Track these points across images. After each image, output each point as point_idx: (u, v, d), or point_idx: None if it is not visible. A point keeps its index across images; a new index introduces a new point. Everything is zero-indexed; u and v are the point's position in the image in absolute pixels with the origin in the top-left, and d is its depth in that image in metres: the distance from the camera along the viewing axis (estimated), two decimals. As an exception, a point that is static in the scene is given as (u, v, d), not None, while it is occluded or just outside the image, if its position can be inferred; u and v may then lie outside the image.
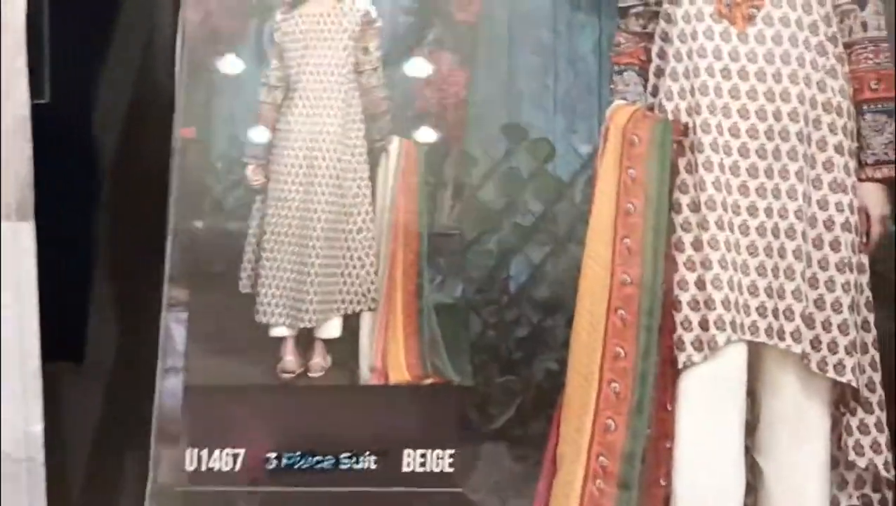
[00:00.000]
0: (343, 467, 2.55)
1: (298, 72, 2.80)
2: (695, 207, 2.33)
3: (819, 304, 2.30)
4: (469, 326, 2.70)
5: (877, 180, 2.38)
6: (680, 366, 2.30)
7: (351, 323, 2.78)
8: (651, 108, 2.43)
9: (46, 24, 2.58)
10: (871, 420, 2.33)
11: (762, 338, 2.29)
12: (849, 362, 2.29)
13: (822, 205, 2.32)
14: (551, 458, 2.35)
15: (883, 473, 2.34)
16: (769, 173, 2.31)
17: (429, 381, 2.69)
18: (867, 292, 2.36)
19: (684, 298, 2.31)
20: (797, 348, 2.28)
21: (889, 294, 2.53)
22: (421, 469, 2.55)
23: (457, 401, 2.63)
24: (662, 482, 2.30)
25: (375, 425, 2.59)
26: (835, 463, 2.38)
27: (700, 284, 2.31)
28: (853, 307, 2.31)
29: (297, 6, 2.81)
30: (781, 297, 2.29)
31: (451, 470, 2.55)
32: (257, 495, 2.55)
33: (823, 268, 2.31)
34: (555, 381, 2.49)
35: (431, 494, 2.54)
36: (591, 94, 2.74)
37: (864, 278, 2.36)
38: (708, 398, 2.30)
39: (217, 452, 2.55)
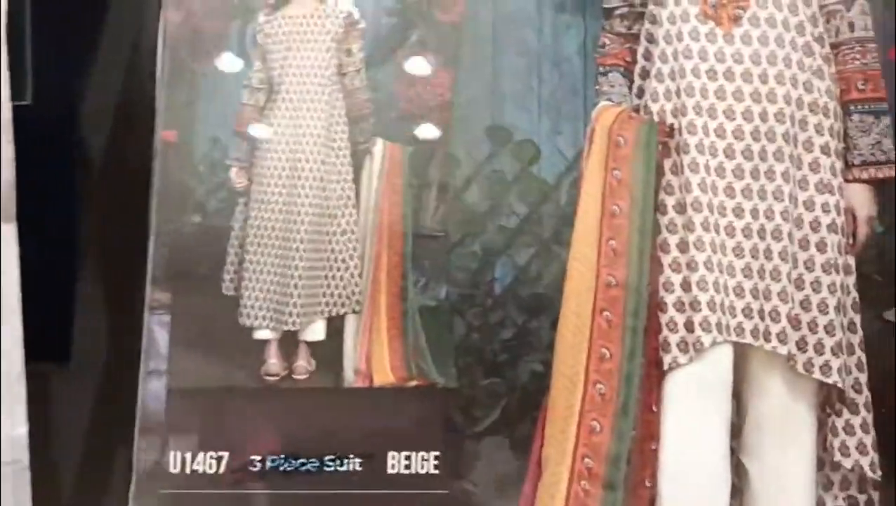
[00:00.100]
0: (328, 469, 2.54)
1: (281, 74, 2.81)
2: (680, 208, 2.36)
3: (805, 305, 2.33)
4: (453, 329, 2.70)
5: (863, 181, 2.41)
6: (665, 367, 2.33)
7: (335, 325, 2.78)
8: (637, 110, 2.45)
9: (28, 25, 2.59)
10: (856, 421, 2.36)
11: (748, 339, 2.32)
12: (835, 364, 2.32)
13: (809, 206, 2.35)
14: (536, 459, 2.36)
15: (869, 474, 2.36)
16: (755, 175, 2.34)
17: (413, 383, 2.69)
18: (853, 293, 2.39)
19: (670, 299, 2.34)
20: (783, 350, 2.31)
21: (875, 295, 2.54)
22: (406, 471, 2.55)
23: (441, 403, 2.63)
24: (648, 484, 2.32)
25: (360, 427, 2.58)
26: (820, 464, 2.40)
27: (685, 286, 2.33)
28: (839, 308, 2.34)
29: (279, 8, 2.82)
30: (767, 298, 2.32)
31: (436, 472, 2.55)
32: (242, 498, 2.55)
33: (810, 269, 2.34)
34: (540, 383, 2.50)
35: (416, 496, 2.54)
36: (576, 96, 2.74)
37: (851, 280, 2.39)
38: (693, 400, 2.32)
39: (201, 454, 2.54)
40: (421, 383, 2.68)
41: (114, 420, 2.59)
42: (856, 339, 2.39)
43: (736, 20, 2.38)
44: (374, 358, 2.72)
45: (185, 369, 2.61)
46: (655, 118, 2.40)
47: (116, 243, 2.68)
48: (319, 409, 2.64)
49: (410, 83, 2.77)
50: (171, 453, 2.54)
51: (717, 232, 2.33)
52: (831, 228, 2.35)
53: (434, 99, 2.76)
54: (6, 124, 2.36)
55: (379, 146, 2.80)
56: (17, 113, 2.40)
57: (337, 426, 2.59)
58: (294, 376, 2.74)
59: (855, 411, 2.37)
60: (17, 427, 2.33)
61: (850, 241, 2.40)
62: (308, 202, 2.78)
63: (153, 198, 2.63)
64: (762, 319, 2.32)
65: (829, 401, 2.38)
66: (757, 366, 2.35)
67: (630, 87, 2.50)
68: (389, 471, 2.55)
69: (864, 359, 2.39)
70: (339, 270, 2.78)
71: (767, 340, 2.31)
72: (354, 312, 2.77)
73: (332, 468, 2.55)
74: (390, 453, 2.56)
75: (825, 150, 2.37)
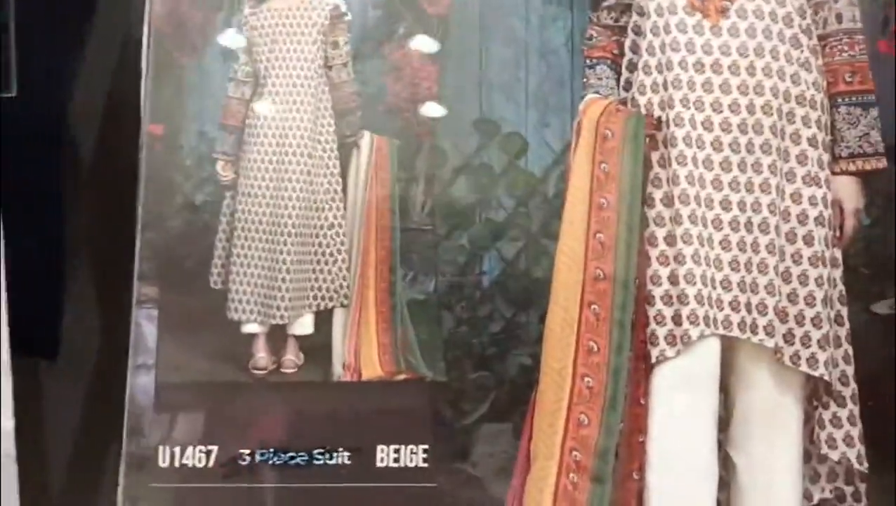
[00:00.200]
0: (317, 463, 2.54)
1: (267, 67, 2.81)
2: (668, 201, 2.37)
3: (792, 298, 2.35)
4: (442, 322, 2.70)
5: (851, 174, 2.43)
6: (653, 361, 2.34)
7: (323, 319, 2.79)
8: (624, 103, 2.46)
9: (12, 16, 2.59)
10: (843, 414, 2.38)
11: (735, 332, 2.33)
12: (822, 356, 2.33)
13: (796, 199, 2.37)
14: (525, 453, 2.38)
15: (856, 466, 2.38)
16: (742, 167, 2.35)
17: (402, 377, 2.69)
18: (840, 286, 2.41)
19: (657, 292, 2.35)
20: (770, 343, 2.33)
21: (862, 288, 2.56)
22: (395, 465, 2.55)
23: (430, 397, 2.63)
24: (636, 477, 2.34)
25: (349, 421, 2.59)
26: (808, 457, 2.41)
27: (673, 279, 2.34)
28: (826, 301, 2.35)
29: (264, 0, 2.82)
30: (754, 291, 2.33)
31: (424, 465, 2.55)
32: (231, 492, 2.54)
33: (797, 262, 2.35)
34: (528, 376, 2.51)
35: (405, 489, 2.55)
36: (563, 88, 2.75)
37: (838, 272, 2.40)
38: (681, 393, 2.33)
39: (190, 449, 2.54)
40: (409, 377, 2.68)
41: (103, 414, 2.59)
42: (843, 331, 2.40)
43: (723, 12, 2.39)
44: (363, 352, 2.72)
45: (173, 364, 2.61)
46: (643, 111, 2.41)
47: (104, 237, 2.68)
48: (308, 403, 2.64)
49: (396, 76, 2.77)
50: (160, 448, 2.54)
51: (705, 225, 2.35)
52: (818, 220, 2.36)
53: (421, 91, 2.76)
54: (-10, 116, 2.36)
55: (366, 139, 2.80)
56: (2, 105, 2.43)
57: (326, 420, 2.59)
58: (282, 370, 2.75)
59: (842, 404, 2.38)
60: (5, 420, 2.34)
61: (838, 233, 2.42)
62: (295, 196, 2.78)
63: (140, 192, 2.63)
64: (749, 312, 2.33)
65: (816, 393, 2.40)
66: (744, 359, 2.37)
67: (618, 80, 2.51)
68: (378, 464, 2.55)
69: (850, 351, 2.41)
70: (326, 263, 2.79)
71: (755, 333, 2.33)
72: (342, 305, 2.77)
73: (322, 462, 2.55)
74: (379, 447, 2.56)
75: (812, 142, 2.39)
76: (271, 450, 2.56)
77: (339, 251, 2.79)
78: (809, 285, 2.35)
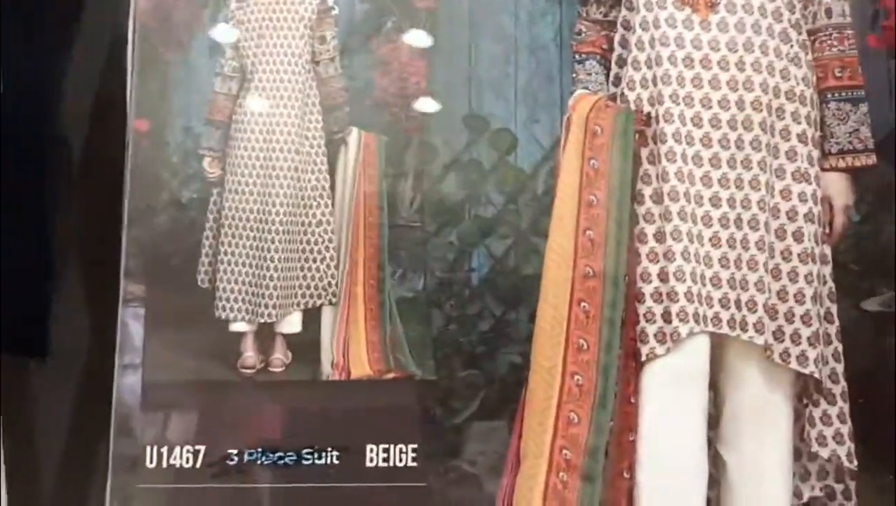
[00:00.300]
0: (305, 462, 2.54)
1: (254, 62, 2.81)
2: (658, 198, 2.37)
3: (782, 295, 2.35)
4: (431, 320, 2.70)
5: (840, 170, 2.43)
6: (643, 358, 2.35)
7: (312, 317, 2.79)
8: (613, 98, 2.46)
9: (-3, 13, 2.58)
10: (833, 411, 2.39)
11: (725, 330, 2.33)
12: (811, 354, 2.34)
13: (785, 195, 2.37)
14: (515, 452, 2.38)
15: (846, 463, 2.39)
16: (732, 163, 2.36)
17: (391, 375, 2.69)
18: (830, 283, 2.41)
19: (647, 290, 2.36)
20: (760, 340, 2.33)
21: (852, 285, 2.57)
22: (384, 464, 2.54)
23: (419, 395, 2.63)
24: (626, 475, 2.34)
25: (338, 420, 2.58)
26: (797, 454, 2.42)
27: (663, 276, 2.35)
28: (816, 298, 2.36)
29: None
30: (744, 288, 2.34)
31: (414, 464, 2.55)
32: (219, 492, 2.54)
33: (786, 259, 2.36)
34: (518, 375, 2.51)
35: (395, 488, 2.54)
36: (552, 84, 2.75)
37: (827, 269, 2.41)
38: (671, 391, 2.34)
39: (178, 449, 2.54)
40: (399, 375, 2.69)
41: (91, 414, 2.58)
42: (832, 329, 2.41)
43: (712, 6, 2.39)
44: (352, 350, 2.73)
45: (160, 363, 2.60)
46: (632, 107, 2.41)
47: (92, 235, 2.67)
48: (297, 402, 2.64)
49: (385, 71, 2.77)
50: (148, 448, 2.54)
51: (694, 222, 2.35)
52: (808, 217, 2.37)
53: (410, 87, 2.75)
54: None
55: (354, 135, 2.80)
56: (-12, 101, 2.40)
57: (314, 419, 2.58)
58: (270, 369, 2.75)
59: (832, 401, 2.39)
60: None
61: (827, 230, 2.42)
62: (283, 193, 2.78)
63: (126, 188, 2.62)
64: (739, 309, 2.34)
65: (806, 391, 2.40)
66: (734, 356, 2.37)
67: (607, 75, 2.51)
68: (368, 464, 2.55)
69: (840, 349, 2.41)
70: (314, 261, 2.79)
71: (744, 330, 2.33)
72: (331, 303, 2.78)
73: (310, 462, 2.54)
74: (368, 446, 2.55)
75: (802, 138, 2.39)
76: (260, 450, 2.55)
77: (327, 248, 2.80)
78: (799, 282, 2.36)
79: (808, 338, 2.34)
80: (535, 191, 2.73)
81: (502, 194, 2.74)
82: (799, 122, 2.40)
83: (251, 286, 2.79)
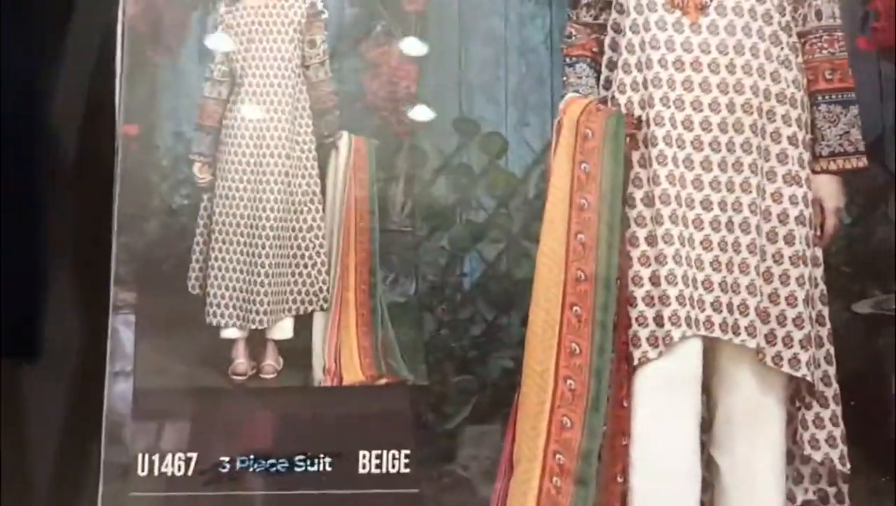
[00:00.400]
0: (298, 469, 2.54)
1: (244, 66, 2.81)
2: (649, 201, 2.37)
3: (773, 298, 2.36)
4: (423, 325, 2.70)
5: (831, 172, 2.44)
6: (635, 362, 2.35)
7: (303, 323, 2.79)
8: (604, 101, 2.46)
9: (-16, 16, 2.58)
10: (826, 414, 2.39)
11: (717, 333, 2.34)
12: (804, 357, 2.34)
13: (777, 198, 2.38)
14: (508, 456, 2.38)
15: (839, 466, 2.39)
16: (723, 166, 2.36)
17: (383, 381, 2.69)
18: (822, 286, 2.42)
19: (639, 293, 2.36)
20: (752, 343, 2.33)
21: (843, 287, 2.57)
22: (377, 470, 2.54)
23: (412, 401, 2.63)
24: (619, 479, 2.34)
25: (330, 426, 2.58)
26: (790, 458, 2.41)
27: (655, 280, 2.35)
28: (808, 301, 2.36)
29: None
30: (736, 291, 2.34)
31: (407, 471, 2.55)
32: (211, 500, 2.53)
33: (778, 262, 2.36)
34: (510, 379, 2.51)
35: (388, 495, 2.54)
36: (542, 87, 2.75)
37: (819, 272, 2.41)
38: (663, 395, 2.34)
39: (169, 456, 2.54)
40: (391, 381, 2.69)
41: (81, 422, 2.58)
42: (824, 331, 2.41)
43: (703, 9, 2.39)
44: (344, 356, 2.73)
45: (151, 370, 2.60)
46: (623, 110, 2.42)
47: (83, 240, 2.66)
48: (289, 408, 2.63)
49: (375, 75, 2.77)
50: (139, 456, 2.54)
51: (686, 225, 2.36)
52: (799, 220, 2.38)
53: (400, 91, 2.76)
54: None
55: (344, 140, 2.80)
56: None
57: (306, 426, 2.58)
58: (262, 376, 2.75)
59: (824, 404, 2.40)
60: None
61: (818, 232, 2.43)
62: (273, 198, 2.78)
63: (115, 193, 2.62)
64: (731, 312, 2.34)
65: (798, 394, 2.40)
66: (726, 360, 2.38)
67: (597, 78, 2.52)
68: (361, 470, 2.55)
69: (832, 352, 2.41)
70: (305, 266, 2.79)
71: (736, 333, 2.34)
72: (322, 309, 2.78)
73: (303, 468, 2.54)
74: (361, 452, 2.55)
75: (793, 141, 2.40)
76: (252, 457, 2.55)
77: (318, 254, 2.80)
78: (791, 285, 2.36)
79: (800, 341, 2.35)
80: (526, 195, 2.73)
81: (493, 198, 2.74)
82: (790, 125, 2.40)
83: (242, 292, 2.78)
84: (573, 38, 2.55)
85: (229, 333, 2.77)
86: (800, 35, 2.45)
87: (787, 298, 2.36)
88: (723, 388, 2.39)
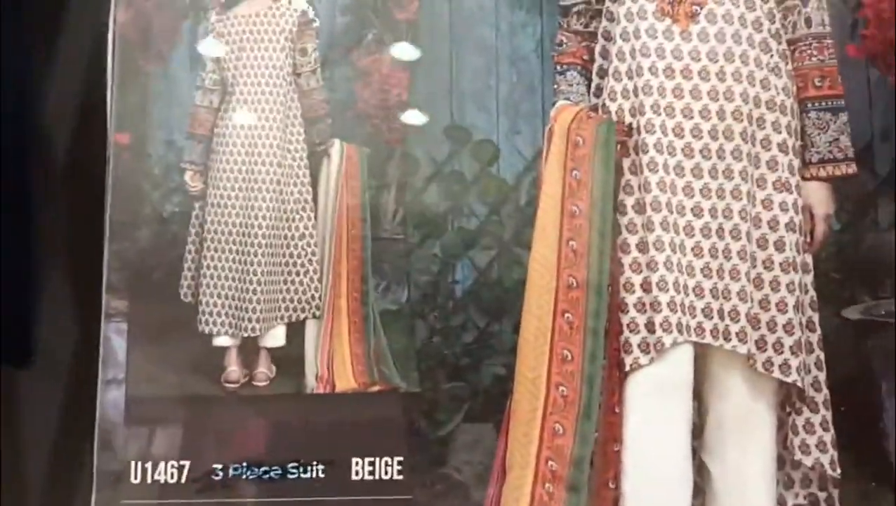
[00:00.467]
0: (291, 476, 2.53)
1: (235, 74, 2.82)
2: (640, 208, 2.39)
3: (764, 304, 2.37)
4: (415, 333, 2.70)
5: (821, 179, 2.45)
6: (627, 369, 2.36)
7: (295, 331, 2.80)
8: (595, 109, 2.48)
9: (-26, 25, 2.57)
10: (816, 419, 2.41)
11: (708, 339, 2.35)
12: (794, 362, 2.36)
13: (767, 204, 2.39)
14: (500, 463, 2.40)
15: (829, 471, 2.41)
16: (713, 173, 2.37)
17: (375, 388, 2.70)
18: (812, 292, 2.44)
19: (630, 300, 2.37)
20: (743, 349, 2.35)
21: (833, 293, 2.57)
22: (370, 477, 2.54)
23: (404, 408, 2.63)
24: (611, 485, 2.35)
25: (322, 433, 2.58)
26: (781, 462, 2.43)
27: (646, 287, 2.37)
28: (798, 307, 2.38)
29: (231, 7, 2.83)
30: (727, 298, 2.36)
31: (400, 477, 2.55)
32: None
33: (768, 268, 2.38)
34: (502, 386, 2.52)
35: (381, 501, 2.54)
36: (533, 95, 2.75)
37: (809, 278, 2.43)
38: (655, 401, 2.35)
39: (162, 464, 2.53)
40: (383, 388, 2.69)
41: (74, 430, 2.58)
42: (814, 337, 2.43)
43: (693, 17, 2.41)
44: (336, 363, 2.73)
45: (143, 378, 2.60)
46: (614, 117, 2.43)
47: (73, 249, 2.66)
48: (281, 416, 2.63)
49: (366, 83, 2.77)
50: (132, 463, 2.54)
51: (677, 232, 2.37)
52: (789, 226, 2.39)
53: (391, 98, 2.76)
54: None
55: (336, 147, 2.81)
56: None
57: (299, 433, 2.58)
58: (255, 383, 2.75)
59: (814, 410, 2.41)
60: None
61: (808, 239, 2.44)
62: (265, 206, 2.79)
63: (107, 201, 2.62)
64: (722, 318, 2.36)
65: (789, 399, 2.42)
66: (717, 366, 2.39)
67: (588, 86, 2.53)
68: (353, 477, 2.55)
69: (822, 357, 2.43)
70: (298, 274, 2.80)
71: (727, 339, 2.35)
72: (315, 317, 2.79)
73: (296, 475, 2.54)
74: (354, 459, 2.55)
75: (783, 148, 2.41)
76: (245, 464, 2.55)
77: (310, 261, 2.81)
78: (781, 291, 2.38)
79: (791, 347, 2.37)
80: (517, 202, 2.74)
81: (485, 205, 2.74)
82: (779, 132, 2.42)
83: (234, 300, 2.79)
84: (564, 46, 2.57)
85: (222, 340, 2.78)
86: (789, 42, 2.47)
87: (777, 305, 2.38)
88: (714, 394, 2.41)
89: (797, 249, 2.40)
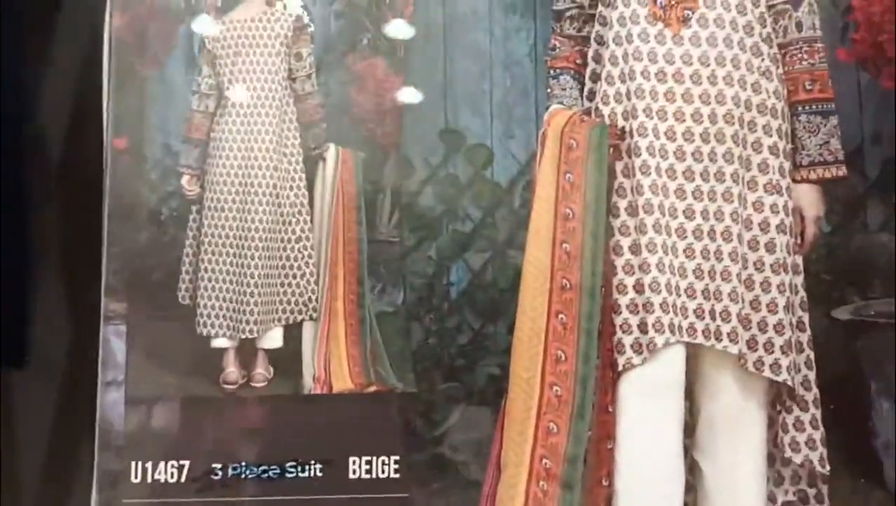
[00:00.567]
0: (289, 475, 2.56)
1: (231, 79, 2.85)
2: (632, 210, 2.42)
3: (755, 305, 2.41)
4: (411, 334, 2.73)
5: (811, 181, 2.48)
6: (620, 368, 2.39)
7: (292, 333, 2.82)
8: (588, 113, 2.50)
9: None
10: (806, 418, 2.44)
11: (700, 339, 2.38)
12: (784, 362, 2.39)
13: (758, 207, 2.42)
14: (495, 461, 2.42)
15: (818, 468, 2.45)
16: (705, 176, 2.40)
17: (372, 389, 2.72)
18: (802, 293, 2.47)
19: (623, 301, 2.40)
20: (734, 349, 2.38)
21: (823, 294, 2.62)
22: (367, 476, 2.57)
23: (400, 408, 2.66)
24: (604, 483, 2.39)
25: (320, 433, 2.60)
26: (771, 460, 2.47)
27: (639, 288, 2.39)
28: (788, 308, 2.41)
29: (226, 12, 2.86)
30: (718, 298, 2.39)
31: (396, 476, 2.58)
32: None
33: (759, 269, 2.41)
34: (497, 386, 2.56)
35: (378, 499, 2.57)
36: (527, 99, 2.78)
37: (799, 279, 2.46)
38: (647, 400, 2.39)
39: (162, 464, 2.56)
40: (379, 389, 2.72)
41: (73, 431, 2.61)
42: (804, 337, 2.46)
43: (684, 21, 2.43)
44: (333, 364, 2.76)
45: (142, 379, 2.63)
46: (606, 121, 2.45)
47: (71, 252, 2.68)
48: (279, 416, 2.66)
49: (361, 87, 2.80)
50: (133, 463, 2.56)
51: (669, 234, 2.40)
52: (780, 228, 2.42)
53: (386, 103, 2.79)
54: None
55: (331, 152, 2.84)
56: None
57: (297, 433, 2.61)
58: (252, 384, 2.78)
59: (804, 408, 2.44)
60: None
61: (799, 241, 2.47)
62: (262, 209, 2.82)
63: (105, 205, 2.64)
64: (713, 319, 2.39)
65: (779, 398, 2.45)
66: (709, 365, 2.42)
67: (581, 90, 2.55)
68: (351, 476, 2.58)
69: (812, 357, 2.46)
70: (294, 277, 2.83)
71: (718, 339, 2.38)
72: (311, 318, 2.81)
73: (294, 474, 2.57)
74: (351, 459, 2.58)
75: (773, 151, 2.44)
76: (244, 464, 2.58)
77: (306, 264, 2.84)
78: (772, 292, 2.41)
79: (781, 346, 2.40)
80: (511, 205, 2.77)
81: (479, 209, 2.78)
82: (770, 135, 2.45)
83: (232, 302, 2.82)
84: (557, 50, 2.59)
85: (220, 342, 2.81)
86: (780, 46, 2.50)
87: (768, 305, 2.41)
88: (706, 393, 2.44)
89: (788, 251, 2.43)
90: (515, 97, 2.81)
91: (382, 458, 2.60)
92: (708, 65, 2.42)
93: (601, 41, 2.52)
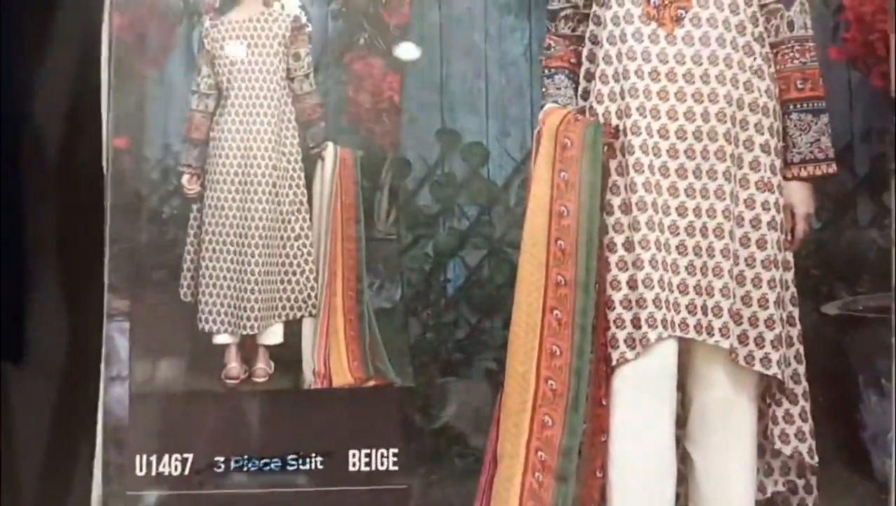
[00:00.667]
0: (290, 468, 2.61)
1: (230, 79, 2.89)
2: (626, 208, 2.46)
3: (746, 300, 2.45)
4: (409, 329, 2.77)
5: (802, 179, 2.52)
6: (613, 363, 2.44)
7: (293, 329, 2.86)
8: (582, 112, 2.54)
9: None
10: (795, 410, 2.49)
11: (692, 334, 2.43)
12: (774, 356, 2.44)
13: (749, 204, 2.46)
14: (492, 454, 2.47)
15: (807, 459, 2.51)
16: (697, 174, 2.44)
17: (371, 383, 2.77)
18: (792, 288, 2.52)
19: (617, 297, 2.45)
20: (725, 344, 2.43)
21: (812, 289, 2.66)
22: (366, 468, 2.62)
23: (399, 402, 2.71)
24: (598, 474, 2.44)
25: (320, 427, 2.65)
26: (761, 451, 2.53)
27: (632, 284, 2.44)
28: (779, 303, 2.46)
29: (225, 12, 2.90)
30: (710, 294, 2.43)
31: (395, 468, 2.63)
32: (207, 498, 2.61)
33: (750, 265, 2.46)
34: (493, 380, 2.62)
35: (377, 491, 2.61)
36: (522, 98, 2.81)
37: (789, 275, 2.51)
38: (640, 393, 2.43)
39: (166, 457, 2.61)
40: (378, 383, 2.77)
41: (72, 427, 2.64)
42: (794, 332, 2.51)
43: (678, 21, 2.46)
44: (333, 359, 2.80)
45: (146, 375, 2.67)
46: (601, 119, 2.48)
47: (72, 252, 2.70)
48: (280, 410, 2.70)
49: (358, 87, 2.84)
50: (137, 456, 2.61)
51: (662, 231, 2.43)
52: (771, 225, 2.46)
53: (383, 102, 2.83)
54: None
55: (330, 150, 2.88)
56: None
57: (298, 427, 2.65)
58: (254, 379, 2.84)
59: (794, 401, 2.49)
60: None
61: (789, 237, 2.51)
62: (261, 207, 2.86)
63: (107, 204, 2.67)
64: (705, 314, 2.43)
65: (769, 391, 2.50)
66: (700, 360, 2.47)
67: (576, 89, 2.58)
68: (350, 468, 2.63)
69: (802, 351, 2.51)
70: (294, 274, 2.88)
71: (710, 334, 2.43)
72: (311, 315, 2.86)
73: (295, 467, 2.62)
74: (351, 451, 2.63)
75: (765, 148, 2.48)
76: (246, 457, 2.63)
77: (306, 261, 2.88)
78: (762, 288, 2.45)
79: (772, 341, 2.44)
80: (507, 203, 2.81)
81: (475, 206, 2.82)
82: (762, 133, 2.48)
83: (233, 299, 2.86)
84: (552, 49, 2.63)
85: (221, 338, 2.86)
86: (772, 45, 2.53)
87: (759, 301, 2.45)
88: (697, 386, 2.48)
89: (778, 247, 2.47)
90: (511, 96, 2.84)
91: (381, 450, 2.64)
92: (701, 64, 2.46)
93: (595, 40, 2.56)
